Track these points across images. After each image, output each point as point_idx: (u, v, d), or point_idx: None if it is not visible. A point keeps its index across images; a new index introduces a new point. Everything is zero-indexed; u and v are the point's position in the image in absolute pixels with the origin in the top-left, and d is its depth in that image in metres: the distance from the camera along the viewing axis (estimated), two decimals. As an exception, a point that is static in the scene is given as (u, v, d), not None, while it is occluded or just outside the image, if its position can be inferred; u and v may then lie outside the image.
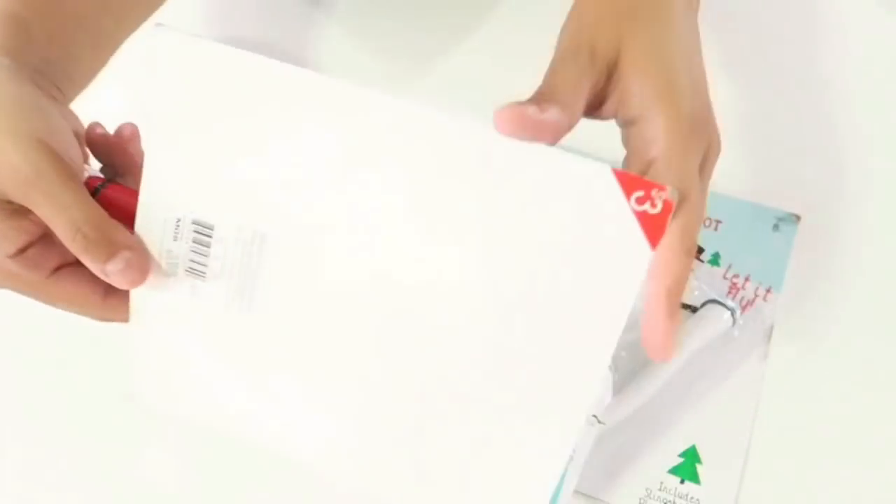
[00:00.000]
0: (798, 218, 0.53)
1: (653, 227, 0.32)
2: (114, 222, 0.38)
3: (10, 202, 0.37)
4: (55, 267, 0.39)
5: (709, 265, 0.52)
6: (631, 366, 0.47)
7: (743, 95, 0.58)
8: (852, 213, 0.53)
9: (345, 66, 0.62)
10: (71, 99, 0.43)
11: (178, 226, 0.38)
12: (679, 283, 0.34)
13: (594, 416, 0.45)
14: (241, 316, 0.40)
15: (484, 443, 0.39)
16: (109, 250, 0.37)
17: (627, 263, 0.33)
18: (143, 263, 0.38)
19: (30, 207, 0.37)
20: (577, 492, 0.44)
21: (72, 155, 0.38)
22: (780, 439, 0.46)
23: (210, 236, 0.38)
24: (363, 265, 0.37)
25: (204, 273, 0.39)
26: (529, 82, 0.37)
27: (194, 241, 0.39)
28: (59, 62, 0.42)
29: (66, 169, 0.37)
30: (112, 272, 0.37)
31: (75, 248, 0.37)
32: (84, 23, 0.44)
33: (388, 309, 0.38)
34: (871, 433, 0.46)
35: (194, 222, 0.38)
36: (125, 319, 0.41)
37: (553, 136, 0.33)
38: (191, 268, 0.39)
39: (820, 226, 0.53)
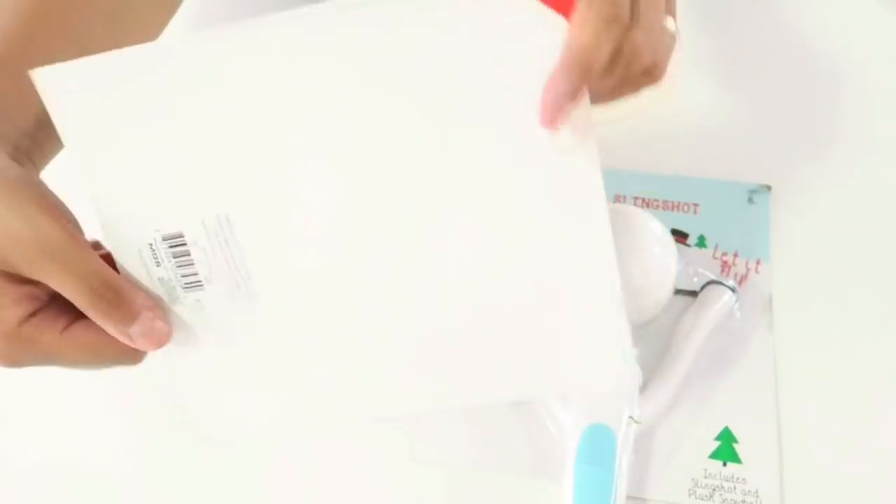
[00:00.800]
0: (769, 188, 0.54)
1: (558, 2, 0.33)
2: (129, 283, 0.37)
3: (14, 273, 0.36)
4: (67, 324, 0.37)
5: (697, 248, 0.52)
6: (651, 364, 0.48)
7: (725, 85, 0.60)
8: (819, 175, 0.55)
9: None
10: (40, 170, 0.41)
11: (153, 250, 0.38)
12: (589, 50, 0.33)
13: (630, 416, 0.44)
14: (250, 305, 0.39)
15: (536, 328, 0.39)
16: (128, 313, 0.37)
17: (546, 46, 0.34)
18: (165, 322, 0.38)
19: (39, 278, 0.36)
20: (627, 496, 0.44)
21: (72, 222, 0.37)
22: (806, 401, 0.47)
23: (185, 244, 0.38)
24: (336, 204, 0.37)
25: (200, 283, 0.38)
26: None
27: (174, 257, 0.38)
28: (30, 133, 0.39)
29: (74, 235, 0.36)
30: (136, 335, 0.37)
31: (96, 315, 0.36)
32: None
33: (380, 232, 0.38)
34: (889, 372, 0.48)
35: (164, 239, 0.38)
36: (154, 346, 0.39)
37: None
38: (186, 284, 0.38)
39: (791, 191, 0.54)
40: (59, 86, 0.35)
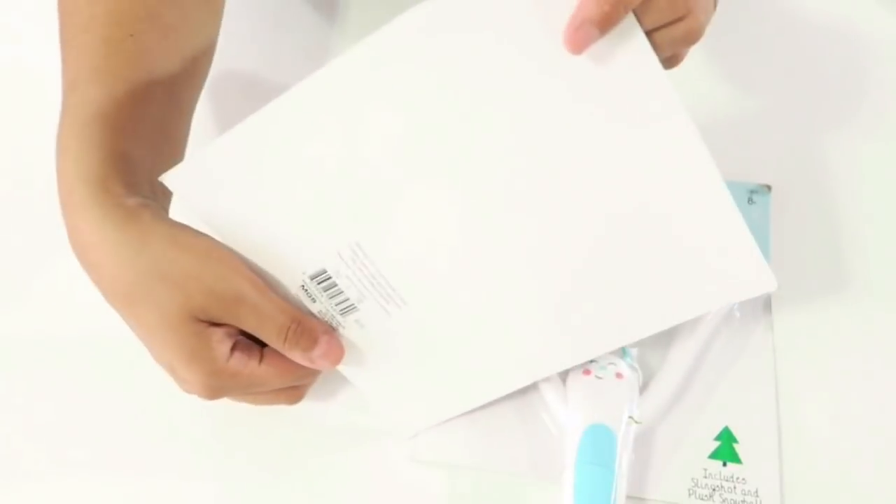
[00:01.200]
0: (769, 188, 0.54)
1: None
2: (306, 315, 0.42)
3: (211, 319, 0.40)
4: (260, 355, 0.42)
5: (697, 249, 0.52)
6: (651, 364, 0.48)
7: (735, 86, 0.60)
8: (819, 175, 0.55)
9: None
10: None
11: (305, 290, 0.42)
12: None
13: (630, 416, 0.45)
14: (402, 310, 0.43)
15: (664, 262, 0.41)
16: (312, 339, 0.42)
17: None
18: (339, 342, 0.43)
19: (234, 323, 0.40)
20: (627, 496, 0.44)
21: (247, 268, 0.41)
22: (806, 401, 0.47)
23: (330, 277, 0.42)
24: (454, 201, 0.40)
25: (354, 305, 0.43)
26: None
27: (325, 290, 0.42)
28: (156, 183, 0.42)
29: (258, 282, 0.41)
30: (318, 357, 0.42)
31: (286, 347, 0.41)
32: (163, 128, 0.45)
33: (502, 217, 0.40)
34: (889, 372, 0.48)
35: (311, 278, 0.42)
36: (331, 365, 0.43)
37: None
38: (342, 310, 0.43)
39: (791, 191, 0.55)
40: (186, 180, 0.40)
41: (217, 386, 0.41)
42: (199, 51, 0.48)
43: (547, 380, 0.47)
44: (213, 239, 0.41)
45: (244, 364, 0.41)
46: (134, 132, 0.43)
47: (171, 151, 0.46)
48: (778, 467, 0.45)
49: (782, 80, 0.60)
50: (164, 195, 0.44)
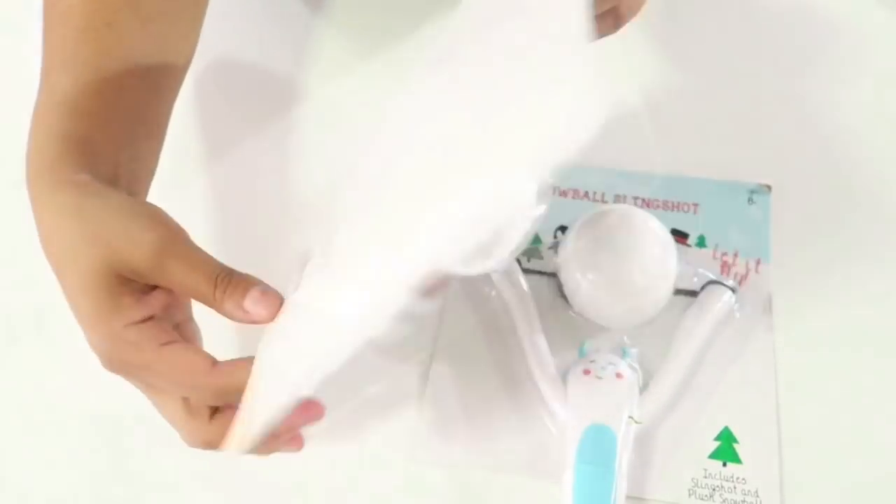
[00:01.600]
0: (769, 188, 0.54)
1: None
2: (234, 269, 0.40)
3: (132, 280, 0.38)
4: (167, 341, 0.39)
5: (696, 248, 0.52)
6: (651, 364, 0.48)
7: (724, 84, 0.60)
8: (819, 175, 0.55)
9: (341, 70, 0.62)
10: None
11: None
12: None
13: (630, 416, 0.45)
14: None
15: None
16: (245, 287, 0.39)
17: None
18: (277, 291, 0.40)
19: (158, 278, 0.38)
20: (627, 496, 0.44)
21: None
22: (806, 401, 0.47)
23: None
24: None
25: None
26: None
27: None
28: (126, 165, 0.42)
29: (187, 235, 0.39)
30: (251, 304, 0.39)
31: (216, 294, 0.38)
32: (137, 113, 0.45)
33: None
34: (889, 372, 0.48)
35: None
36: (237, 387, 0.38)
37: None
38: None
39: (791, 191, 0.54)
40: None
41: (114, 354, 0.38)
42: (181, 38, 0.48)
43: (546, 379, 0.47)
44: (157, 207, 0.40)
45: (143, 339, 0.38)
46: (101, 119, 0.42)
47: (149, 134, 0.46)
48: (778, 467, 0.45)
49: (783, 81, 0.60)
50: (136, 180, 0.43)
